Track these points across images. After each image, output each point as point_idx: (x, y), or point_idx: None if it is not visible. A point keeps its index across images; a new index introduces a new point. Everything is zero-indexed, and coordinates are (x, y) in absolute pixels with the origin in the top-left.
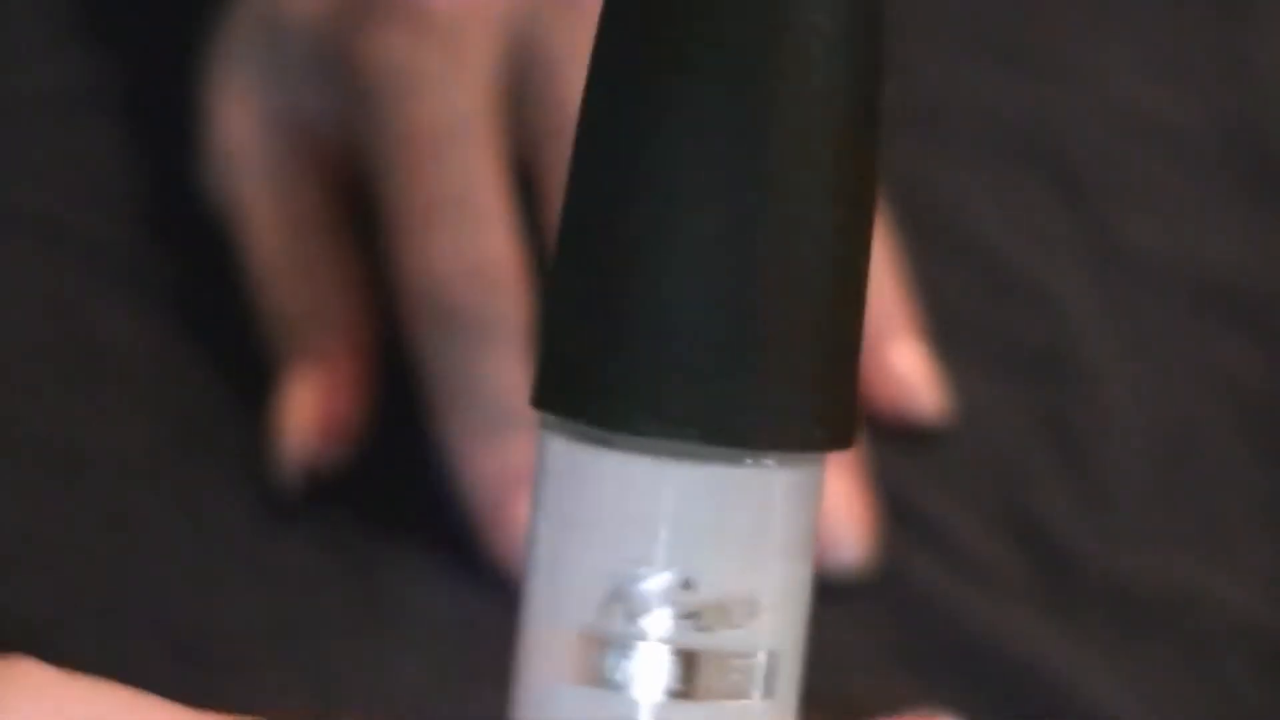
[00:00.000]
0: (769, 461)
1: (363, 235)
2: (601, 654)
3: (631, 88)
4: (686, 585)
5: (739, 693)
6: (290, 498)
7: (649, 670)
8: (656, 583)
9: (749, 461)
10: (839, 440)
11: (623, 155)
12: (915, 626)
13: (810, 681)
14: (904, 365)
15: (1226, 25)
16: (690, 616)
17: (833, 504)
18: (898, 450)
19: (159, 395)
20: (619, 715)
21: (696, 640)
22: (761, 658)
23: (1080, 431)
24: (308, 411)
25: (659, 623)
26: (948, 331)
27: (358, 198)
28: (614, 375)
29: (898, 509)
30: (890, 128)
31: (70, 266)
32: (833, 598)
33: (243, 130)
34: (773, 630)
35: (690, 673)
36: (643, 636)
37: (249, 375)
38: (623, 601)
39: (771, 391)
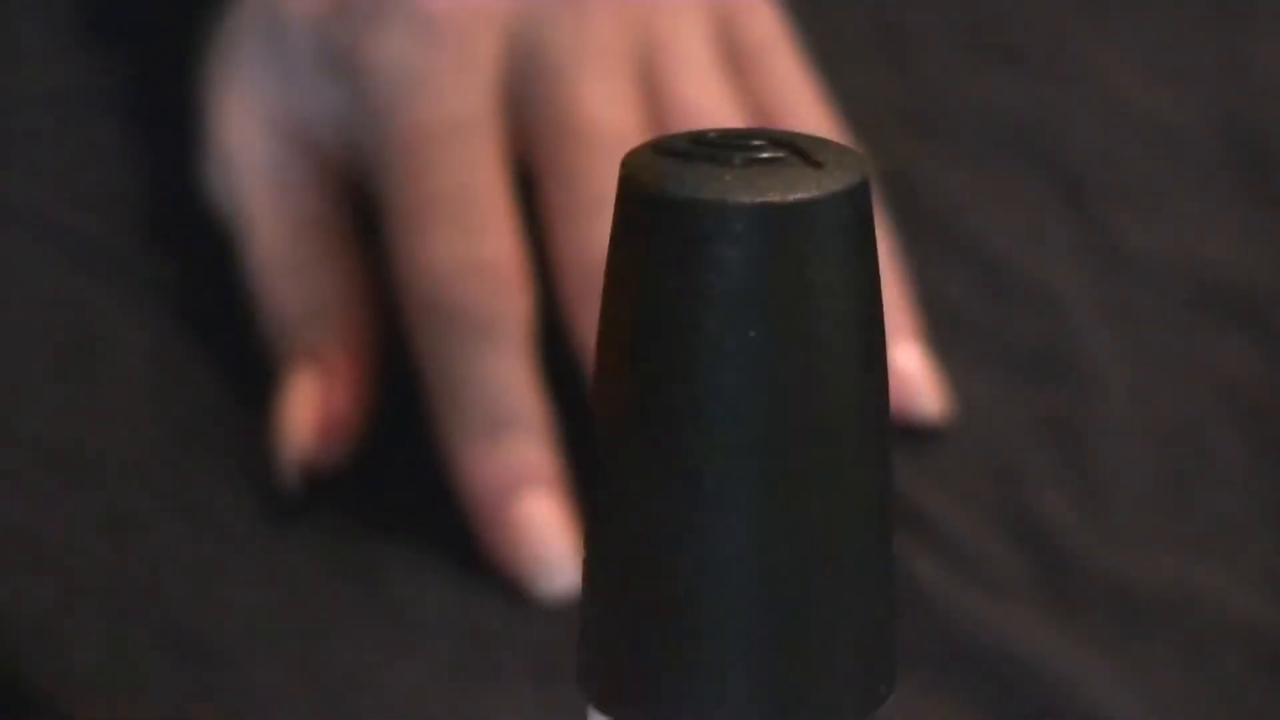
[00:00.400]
0: None
1: (364, 235)
2: None
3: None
4: None
5: None
6: (290, 498)
7: None
8: None
9: None
10: (874, 704)
11: (652, 481)
12: (915, 626)
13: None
14: (905, 366)
15: (1226, 25)
16: None
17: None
18: (898, 450)
19: (159, 395)
20: None
21: None
22: None
23: (1080, 431)
24: (308, 411)
25: None
26: (948, 331)
27: (359, 197)
28: (653, 675)
29: (898, 509)
30: (890, 127)
31: (70, 266)
32: None
33: (244, 131)
34: None
35: None
36: None
37: (249, 375)
38: None
39: (808, 684)
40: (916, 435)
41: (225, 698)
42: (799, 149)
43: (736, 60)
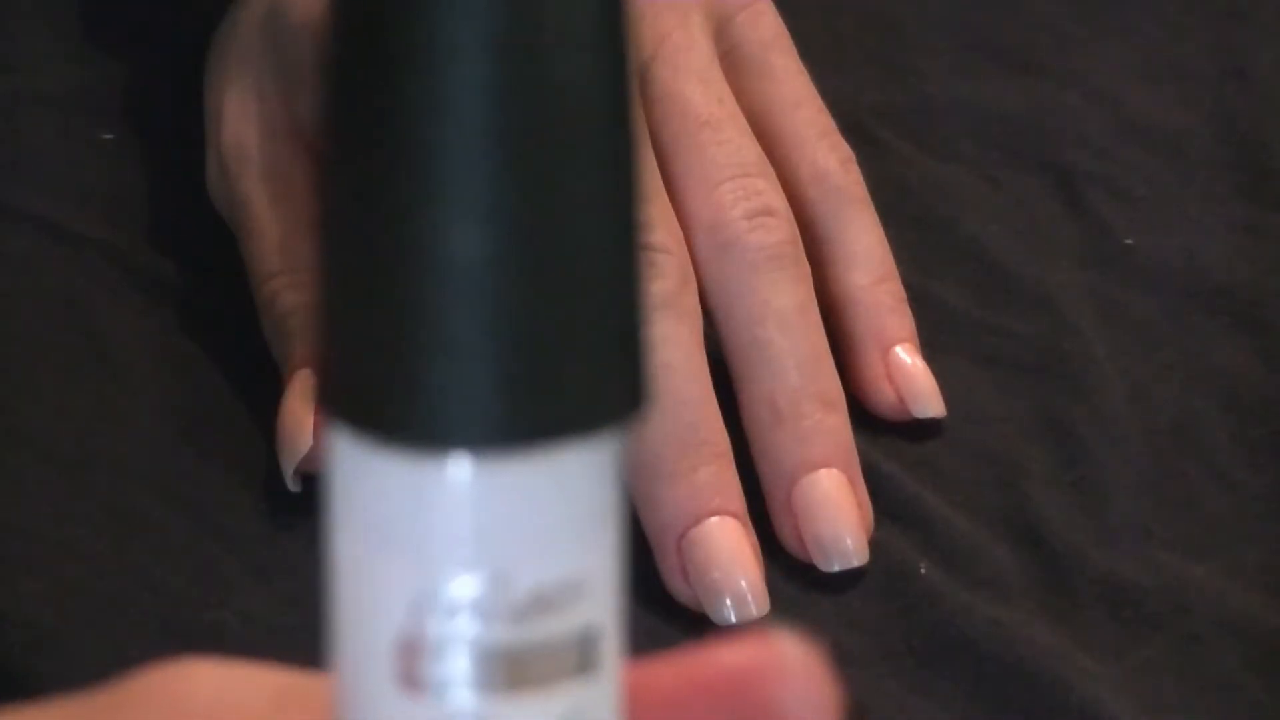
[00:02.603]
0: (560, 449)
1: None
2: (417, 659)
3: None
4: (493, 581)
5: (560, 675)
6: (292, 497)
7: (465, 671)
8: (463, 584)
9: (538, 453)
10: (624, 412)
11: (378, 166)
12: (915, 626)
13: None
14: (903, 367)
15: (1226, 26)
16: (501, 611)
17: (830, 505)
18: (898, 451)
19: (161, 395)
20: (440, 718)
21: (510, 633)
22: (578, 637)
23: (1079, 431)
24: (309, 412)
25: (471, 622)
26: (948, 331)
27: None
28: (391, 381)
29: (898, 509)
30: (890, 128)
31: (72, 266)
32: (833, 598)
33: (245, 131)
34: (588, 608)
35: (507, 667)
36: (456, 638)
37: (251, 375)
38: (433, 605)
39: (550, 384)
40: (916, 435)
41: None
42: None
43: (735, 60)
